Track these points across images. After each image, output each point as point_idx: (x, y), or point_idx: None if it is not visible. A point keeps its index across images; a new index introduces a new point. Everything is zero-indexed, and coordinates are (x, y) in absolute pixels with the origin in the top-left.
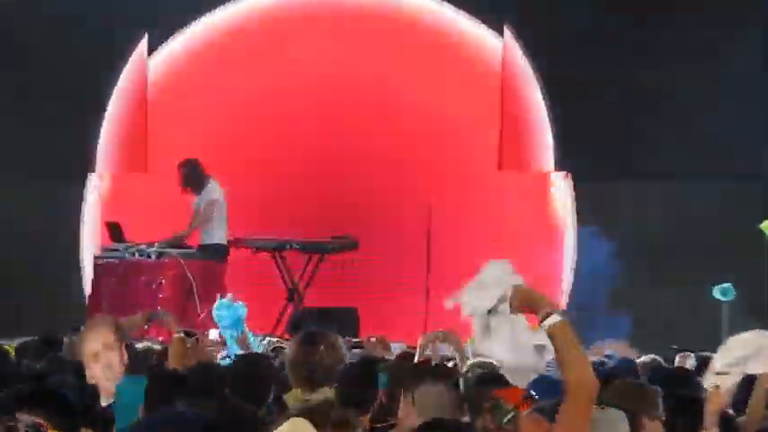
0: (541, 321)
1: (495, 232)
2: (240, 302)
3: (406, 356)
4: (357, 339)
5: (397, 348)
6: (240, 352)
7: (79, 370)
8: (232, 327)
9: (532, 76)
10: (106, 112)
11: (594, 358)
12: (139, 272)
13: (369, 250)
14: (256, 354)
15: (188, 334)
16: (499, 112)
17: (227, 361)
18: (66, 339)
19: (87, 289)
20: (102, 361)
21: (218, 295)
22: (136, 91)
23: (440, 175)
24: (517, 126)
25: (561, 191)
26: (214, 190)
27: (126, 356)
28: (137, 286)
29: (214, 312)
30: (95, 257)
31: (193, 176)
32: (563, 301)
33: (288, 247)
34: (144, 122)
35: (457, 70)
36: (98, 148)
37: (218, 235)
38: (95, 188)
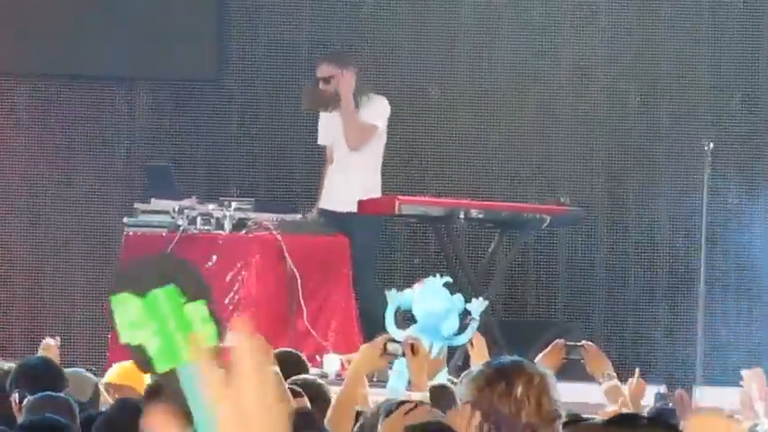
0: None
1: None
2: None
3: None
4: None
5: None
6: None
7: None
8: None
9: None
10: None
11: None
12: (199, 252)
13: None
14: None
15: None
16: None
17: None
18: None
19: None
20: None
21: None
22: None
23: None
24: None
25: None
26: (384, 105)
27: None
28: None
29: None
30: (126, 224)
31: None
32: None
33: (463, 217)
34: None
35: None
36: None
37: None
38: None
